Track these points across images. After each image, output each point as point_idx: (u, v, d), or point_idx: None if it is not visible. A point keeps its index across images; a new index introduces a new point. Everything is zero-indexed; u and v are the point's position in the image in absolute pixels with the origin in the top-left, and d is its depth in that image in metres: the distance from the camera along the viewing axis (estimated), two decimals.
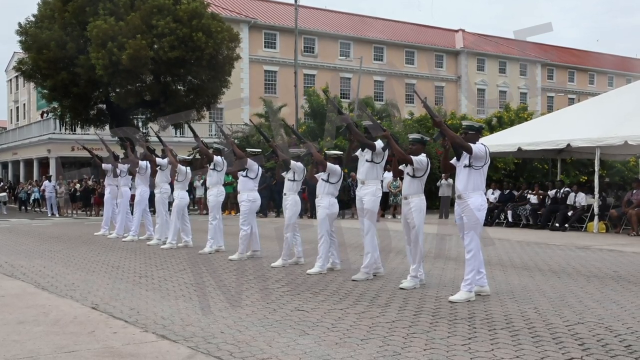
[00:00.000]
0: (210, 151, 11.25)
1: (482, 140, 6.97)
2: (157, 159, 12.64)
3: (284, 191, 9.49)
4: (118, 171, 14.06)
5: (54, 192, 26.14)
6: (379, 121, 8.56)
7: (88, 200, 25.59)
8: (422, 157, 7.30)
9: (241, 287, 7.31)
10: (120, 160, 14.62)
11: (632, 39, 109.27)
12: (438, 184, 20.00)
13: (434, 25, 56.03)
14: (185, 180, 12.00)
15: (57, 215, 25.39)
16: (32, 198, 29.25)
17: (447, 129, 6.71)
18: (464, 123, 7.14)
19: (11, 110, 55.06)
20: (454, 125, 25.12)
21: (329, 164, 8.52)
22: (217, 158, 11.01)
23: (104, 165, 14.82)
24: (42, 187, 27.93)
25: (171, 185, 12.58)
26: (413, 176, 7.34)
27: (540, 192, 17.29)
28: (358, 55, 41.17)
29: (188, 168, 11.98)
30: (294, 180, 9.41)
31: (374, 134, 8.03)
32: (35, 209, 29.07)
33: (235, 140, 27.57)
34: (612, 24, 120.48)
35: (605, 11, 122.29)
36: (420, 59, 49.88)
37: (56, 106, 28.97)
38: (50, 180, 27.23)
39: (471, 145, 6.61)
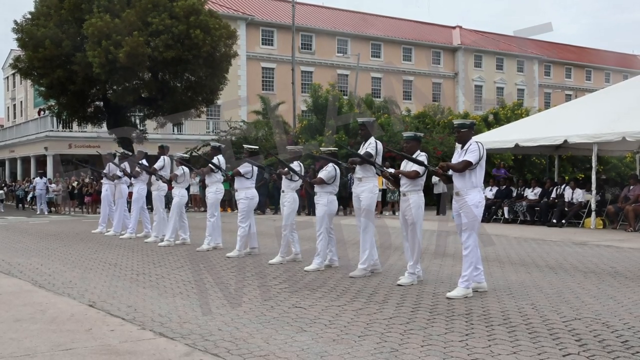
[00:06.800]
0: (209, 149, 11.23)
1: (479, 137, 6.97)
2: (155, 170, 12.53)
3: (282, 188, 9.48)
4: (120, 173, 14.06)
5: (44, 189, 26.09)
6: (374, 118, 8.58)
7: (82, 198, 25.55)
8: (422, 159, 7.28)
9: (239, 285, 7.31)
10: (117, 159, 14.62)
11: (630, 35, 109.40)
12: (433, 181, 19.56)
13: (431, 22, 56.07)
14: (184, 180, 11.99)
15: (46, 213, 25.35)
16: (29, 196, 29.21)
17: (446, 168, 6.79)
18: (455, 122, 7.06)
19: (8, 107, 54.95)
20: (450, 123, 25.14)
21: (324, 176, 8.51)
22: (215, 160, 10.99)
23: (103, 173, 14.80)
24: (32, 184, 27.88)
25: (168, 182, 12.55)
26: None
27: (538, 188, 17.30)
28: (356, 52, 41.17)
29: (183, 167, 11.93)
30: (291, 178, 9.40)
31: (370, 130, 8.06)
32: (33, 207, 29.07)
33: (233, 138, 27.64)
34: (611, 20, 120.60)
35: (604, 7, 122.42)
36: (418, 56, 49.90)
37: (53, 104, 28.91)
38: (42, 177, 27.16)
39: (469, 159, 6.63)
